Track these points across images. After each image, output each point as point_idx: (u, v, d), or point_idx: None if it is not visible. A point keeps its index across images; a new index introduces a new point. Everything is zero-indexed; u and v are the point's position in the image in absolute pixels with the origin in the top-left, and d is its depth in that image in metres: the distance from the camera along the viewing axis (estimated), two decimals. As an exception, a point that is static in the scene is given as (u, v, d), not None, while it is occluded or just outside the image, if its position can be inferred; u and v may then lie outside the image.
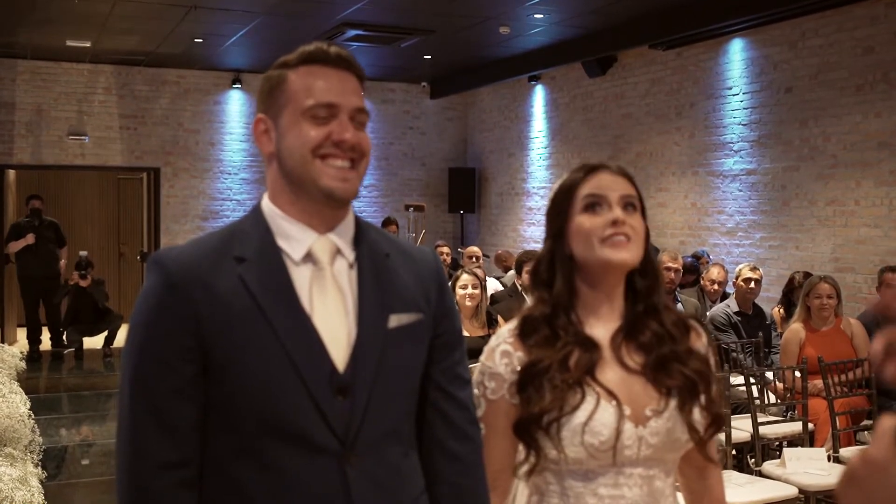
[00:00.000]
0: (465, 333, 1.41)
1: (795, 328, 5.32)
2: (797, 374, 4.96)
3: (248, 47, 9.94)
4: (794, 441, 4.81)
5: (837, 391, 4.74)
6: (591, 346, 1.60)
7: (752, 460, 4.67)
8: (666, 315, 1.65)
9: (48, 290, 9.87)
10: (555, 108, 10.89)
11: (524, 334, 1.63)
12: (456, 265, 8.61)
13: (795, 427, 4.83)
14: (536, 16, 8.24)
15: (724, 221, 8.39)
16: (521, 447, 1.63)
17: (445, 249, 9.16)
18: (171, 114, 11.41)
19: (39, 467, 4.64)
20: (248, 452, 1.36)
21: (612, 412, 1.55)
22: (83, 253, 9.99)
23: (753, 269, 6.04)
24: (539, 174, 11.19)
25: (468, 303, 4.95)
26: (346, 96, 1.43)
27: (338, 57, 1.44)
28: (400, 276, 1.48)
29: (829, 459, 4.33)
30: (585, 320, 1.64)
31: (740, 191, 8.18)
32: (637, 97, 9.46)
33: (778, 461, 4.34)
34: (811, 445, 4.71)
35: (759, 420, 4.64)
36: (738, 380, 5.09)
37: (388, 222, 10.65)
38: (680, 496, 1.78)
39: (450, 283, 4.67)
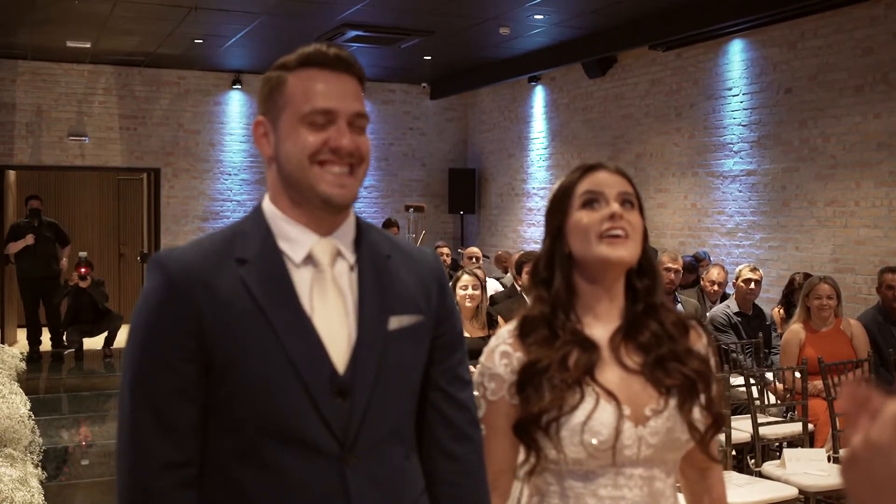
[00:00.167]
0: (466, 334, 1.42)
1: (795, 329, 5.32)
2: (797, 374, 4.96)
3: (248, 48, 9.94)
4: (794, 442, 4.81)
5: (837, 392, 4.74)
6: (589, 346, 1.60)
7: (752, 461, 4.67)
8: (665, 315, 1.66)
9: (48, 291, 9.87)
10: (555, 108, 10.89)
11: (523, 334, 1.63)
12: (456, 266, 8.61)
13: (795, 428, 4.83)
14: (536, 17, 8.24)
15: (723, 222, 8.39)
16: (522, 448, 1.63)
17: (445, 250, 9.16)
18: (171, 114, 11.42)
19: (39, 468, 4.64)
20: (249, 453, 1.36)
21: (612, 412, 1.55)
22: (83, 254, 9.99)
23: (753, 269, 6.04)
24: (539, 175, 11.19)
25: (468, 304, 4.95)
26: (344, 101, 1.42)
27: (337, 59, 1.43)
28: (401, 278, 1.48)
29: (829, 460, 4.32)
30: (584, 320, 1.64)
31: (740, 191, 8.18)
32: (637, 98, 9.46)
33: (778, 462, 4.34)
34: (811, 446, 4.71)
35: (759, 421, 4.64)
36: (738, 380, 5.10)
37: (388, 224, 10.65)
38: (682, 497, 1.79)
39: (450, 284, 4.67)
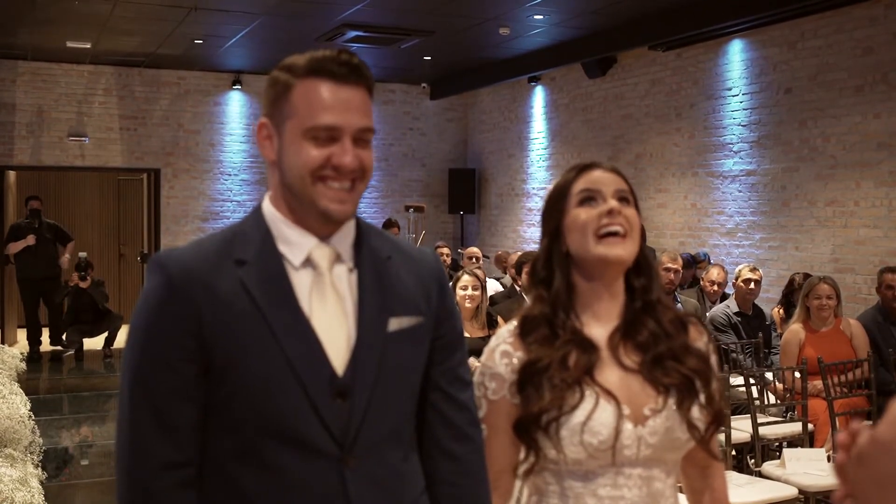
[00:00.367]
0: (465, 334, 1.42)
1: (795, 329, 5.32)
2: (797, 374, 4.96)
3: (248, 48, 9.94)
4: (793, 442, 4.81)
5: (837, 392, 4.74)
6: (589, 346, 1.60)
7: (752, 461, 4.68)
8: (663, 312, 1.66)
9: (48, 291, 9.88)
10: (554, 108, 10.89)
11: (524, 333, 1.63)
12: (456, 266, 8.62)
13: (795, 428, 4.84)
14: (536, 17, 8.24)
15: (723, 222, 8.39)
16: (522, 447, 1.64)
17: (445, 250, 9.16)
18: (171, 115, 11.42)
19: (39, 468, 4.64)
20: (248, 453, 1.36)
21: (611, 412, 1.55)
22: (83, 254, 9.99)
23: (753, 269, 6.04)
24: (539, 175, 11.19)
25: (468, 304, 4.95)
26: (349, 117, 1.39)
27: (347, 69, 1.40)
28: (401, 279, 1.48)
29: (828, 460, 4.32)
30: (584, 319, 1.64)
31: (740, 191, 8.19)
32: (637, 98, 9.46)
33: (778, 462, 4.35)
34: (811, 446, 4.71)
35: (759, 421, 4.64)
36: (737, 380, 5.10)
37: (389, 224, 10.65)
38: (683, 497, 1.79)
39: (450, 284, 4.67)
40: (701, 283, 6.82)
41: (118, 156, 11.24)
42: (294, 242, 1.43)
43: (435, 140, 12.74)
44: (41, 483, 4.31)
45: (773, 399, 5.21)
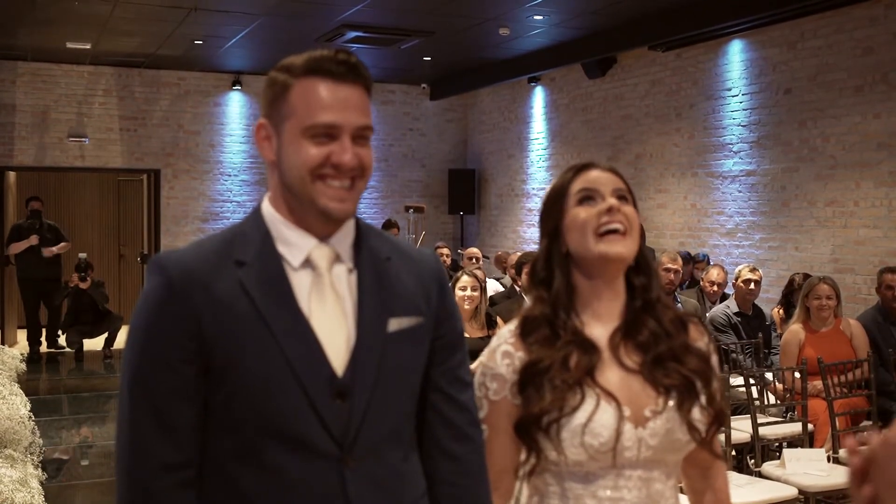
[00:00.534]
0: (465, 335, 1.41)
1: (795, 329, 5.32)
2: (797, 374, 4.96)
3: (248, 49, 9.94)
4: (793, 442, 4.81)
5: (837, 392, 4.74)
6: (590, 346, 1.60)
7: (752, 461, 4.68)
8: (663, 312, 1.66)
9: (48, 292, 9.88)
10: (554, 109, 10.90)
11: (524, 334, 1.63)
12: (456, 266, 8.61)
13: (795, 428, 4.84)
14: (536, 17, 8.24)
15: (723, 222, 8.39)
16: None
17: (445, 251, 9.16)
18: (171, 115, 11.42)
19: (40, 469, 4.64)
20: (248, 454, 1.37)
21: (612, 413, 1.55)
22: (83, 255, 9.99)
23: (753, 270, 6.04)
24: (539, 175, 11.19)
25: (466, 305, 4.95)
26: (348, 115, 1.40)
27: (345, 67, 1.40)
28: (400, 280, 1.48)
29: (828, 460, 4.33)
30: (584, 319, 1.64)
31: (740, 192, 8.19)
32: (636, 98, 9.46)
33: (778, 462, 4.35)
34: (811, 446, 4.71)
35: (759, 421, 4.64)
36: (737, 381, 5.10)
37: (388, 225, 10.65)
38: (683, 498, 1.78)
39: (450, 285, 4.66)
40: (701, 283, 6.82)
41: (118, 156, 11.25)
42: (293, 243, 1.43)
43: (435, 140, 12.74)
44: (41, 484, 4.31)
45: (773, 399, 5.21)
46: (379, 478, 1.41)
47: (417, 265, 1.53)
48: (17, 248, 9.84)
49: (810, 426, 4.87)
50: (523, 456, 1.63)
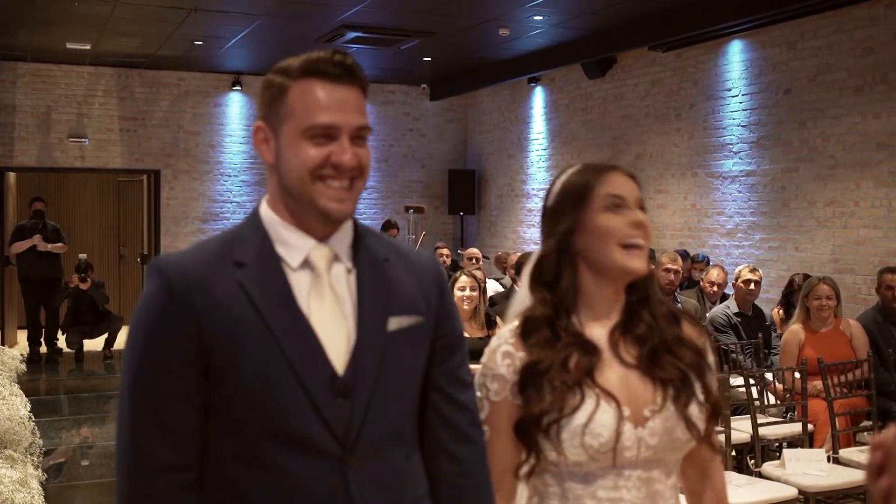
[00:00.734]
0: (465, 335, 1.41)
1: (795, 329, 5.32)
2: (797, 375, 4.96)
3: (248, 49, 9.94)
4: (793, 442, 4.81)
5: (837, 392, 4.74)
6: (590, 348, 1.60)
7: (752, 461, 4.68)
8: (657, 307, 1.66)
9: (49, 292, 9.88)
10: (554, 109, 10.90)
11: (525, 334, 1.63)
12: (456, 267, 8.62)
13: (795, 428, 4.84)
14: (536, 17, 8.24)
15: (723, 223, 8.39)
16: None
17: (445, 251, 9.17)
18: (171, 116, 11.42)
19: (40, 469, 4.65)
20: (249, 455, 1.37)
21: (612, 413, 1.55)
22: (83, 255, 9.99)
23: (753, 270, 6.04)
24: (539, 176, 11.19)
25: (466, 305, 4.95)
26: (346, 115, 1.40)
27: (341, 69, 1.41)
28: (399, 280, 1.48)
29: (828, 460, 4.33)
30: (584, 319, 1.64)
31: (740, 192, 8.19)
32: (636, 99, 9.47)
33: (777, 462, 4.35)
34: (811, 446, 4.71)
35: (759, 421, 4.64)
36: (737, 381, 5.10)
37: (388, 225, 10.65)
38: (682, 499, 1.79)
39: (449, 285, 4.66)
40: (701, 283, 6.82)
41: (118, 157, 11.25)
42: (292, 244, 1.43)
43: (435, 141, 12.74)
44: (41, 484, 4.32)
45: (772, 399, 5.21)
46: (381, 477, 1.41)
47: (416, 266, 1.53)
48: (19, 247, 9.85)
49: (810, 426, 4.87)
50: (523, 457, 1.63)
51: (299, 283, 1.41)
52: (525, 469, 1.62)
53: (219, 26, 8.78)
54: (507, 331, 1.66)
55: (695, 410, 1.60)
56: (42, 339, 10.04)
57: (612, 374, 1.60)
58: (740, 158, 8.17)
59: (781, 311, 6.48)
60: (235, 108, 11.66)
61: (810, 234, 7.44)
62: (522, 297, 1.72)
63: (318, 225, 1.44)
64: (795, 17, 7.38)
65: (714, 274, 6.71)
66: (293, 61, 1.43)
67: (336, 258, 1.45)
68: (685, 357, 1.62)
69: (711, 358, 1.69)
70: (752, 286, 5.95)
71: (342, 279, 1.45)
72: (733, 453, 4.64)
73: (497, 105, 12.13)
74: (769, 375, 5.20)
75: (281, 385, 1.36)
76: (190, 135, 11.49)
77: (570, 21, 8.40)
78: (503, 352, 1.63)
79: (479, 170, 12.55)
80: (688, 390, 1.60)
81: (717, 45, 8.37)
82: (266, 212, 1.46)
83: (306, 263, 1.43)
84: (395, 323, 1.44)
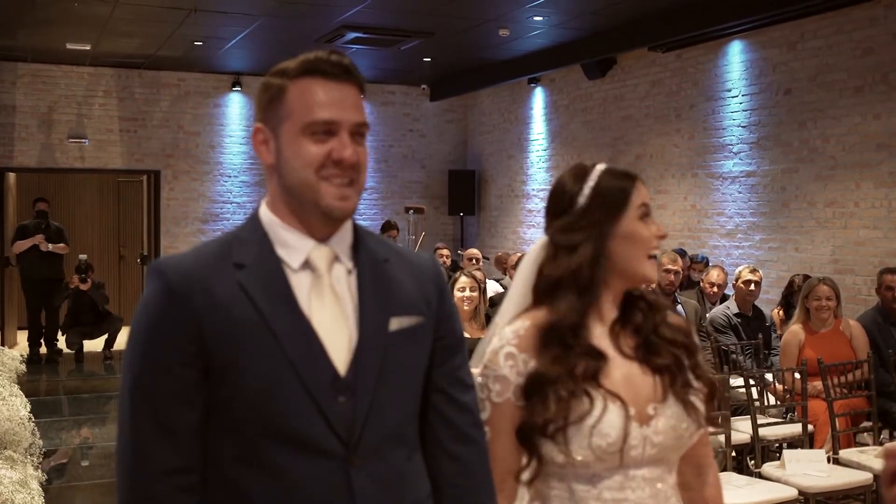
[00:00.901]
0: (465, 335, 1.41)
1: (795, 330, 5.32)
2: (797, 375, 4.96)
3: (247, 50, 9.95)
4: (793, 442, 4.81)
5: (837, 393, 4.74)
6: (598, 355, 1.61)
7: (752, 462, 4.68)
8: (643, 296, 1.71)
9: (50, 292, 9.88)
10: (554, 110, 10.90)
11: (546, 341, 1.60)
12: (456, 267, 8.61)
13: (795, 429, 4.84)
14: (536, 18, 8.25)
15: (723, 223, 8.40)
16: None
17: (445, 252, 9.17)
18: (171, 116, 11.42)
19: (40, 470, 4.65)
20: (251, 456, 1.36)
21: (619, 413, 1.56)
22: (83, 256, 9.99)
23: (753, 270, 6.04)
24: (539, 176, 11.19)
25: (466, 306, 4.95)
26: (346, 112, 1.42)
27: (339, 68, 1.42)
28: (400, 280, 1.49)
29: (828, 461, 4.33)
30: (591, 321, 1.66)
31: (740, 192, 8.19)
32: (636, 99, 9.47)
33: (777, 463, 4.34)
34: (811, 447, 4.71)
35: (759, 422, 4.64)
36: (737, 381, 5.10)
37: (388, 226, 10.64)
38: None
39: (449, 286, 4.66)
40: (701, 284, 6.82)
41: (118, 157, 11.25)
42: (292, 245, 1.43)
43: (435, 141, 12.74)
44: (41, 485, 4.32)
45: (773, 400, 5.21)
46: (382, 477, 1.41)
47: (416, 267, 1.53)
48: (20, 246, 9.85)
49: (810, 427, 4.87)
50: (525, 461, 1.63)
51: (300, 284, 1.41)
52: (527, 475, 1.62)
53: (219, 27, 8.78)
54: (509, 331, 1.64)
55: (693, 394, 1.63)
56: (42, 340, 10.04)
57: (616, 372, 1.61)
58: (740, 159, 8.17)
59: (781, 312, 6.48)
60: (235, 108, 11.66)
61: (810, 234, 7.44)
62: (518, 298, 1.71)
63: (320, 225, 1.44)
64: (795, 17, 7.38)
65: (714, 275, 6.71)
66: (290, 63, 1.44)
67: (336, 259, 1.45)
68: (678, 338, 1.66)
69: (696, 338, 1.73)
70: (752, 287, 5.95)
71: (343, 280, 1.45)
72: (733, 454, 4.64)
73: (497, 105, 12.13)
74: (769, 376, 5.20)
75: (282, 385, 1.36)
76: (190, 135, 11.49)
77: (569, 21, 8.41)
78: (506, 353, 1.62)
79: (479, 170, 12.55)
80: (683, 375, 1.63)
81: (717, 45, 8.37)
82: (266, 213, 1.46)
83: (307, 264, 1.43)
84: (396, 323, 1.45)
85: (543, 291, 1.66)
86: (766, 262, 7.73)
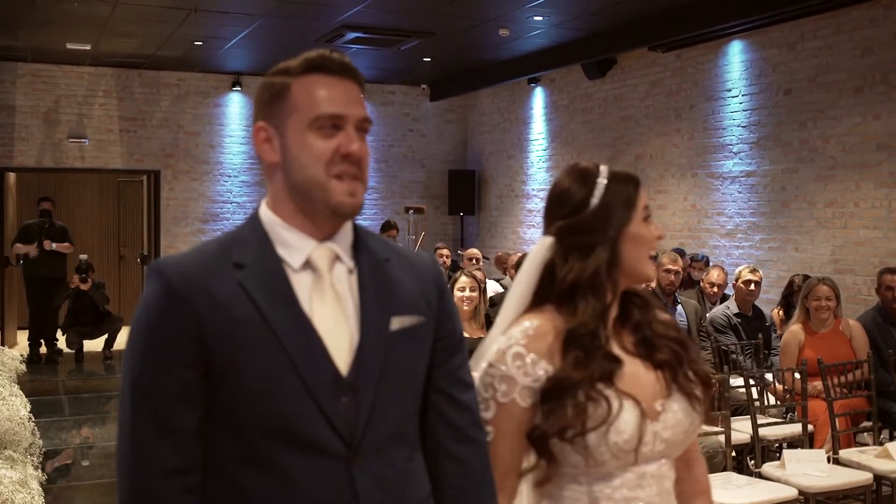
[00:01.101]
0: (465, 335, 1.41)
1: (795, 330, 5.32)
2: (797, 375, 4.96)
3: (248, 50, 9.95)
4: (793, 442, 4.81)
5: (837, 393, 4.74)
6: (614, 358, 1.62)
7: (752, 462, 4.68)
8: (640, 291, 1.74)
9: (51, 292, 9.88)
10: (554, 110, 10.90)
11: (569, 345, 1.60)
12: (456, 267, 8.62)
13: (795, 428, 4.84)
14: (536, 18, 8.25)
15: (723, 223, 8.40)
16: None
17: (445, 251, 9.17)
18: (171, 116, 11.43)
19: (40, 470, 4.64)
20: (252, 457, 1.36)
21: (633, 411, 1.58)
22: (83, 256, 9.99)
23: (753, 270, 6.04)
24: (539, 176, 11.19)
25: (465, 306, 4.94)
26: (351, 107, 1.42)
27: (341, 65, 1.43)
28: (400, 280, 1.49)
29: (828, 461, 4.33)
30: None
31: (740, 192, 8.19)
32: (636, 99, 9.47)
33: (777, 463, 4.34)
34: (811, 447, 4.71)
35: (759, 422, 4.64)
36: (737, 381, 5.10)
37: (388, 226, 10.64)
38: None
39: (448, 285, 4.66)
40: (701, 284, 6.82)
41: (118, 157, 11.25)
42: (293, 245, 1.43)
43: (435, 141, 12.75)
44: (41, 485, 4.32)
45: (772, 400, 5.21)
46: (384, 477, 1.41)
47: (416, 267, 1.53)
48: (18, 249, 9.85)
49: (810, 427, 4.87)
50: (530, 463, 1.63)
51: (301, 284, 1.41)
52: (539, 476, 1.62)
53: (219, 26, 8.79)
54: (518, 331, 1.63)
55: (694, 386, 1.65)
56: (42, 340, 10.04)
57: (625, 370, 1.62)
58: (740, 159, 8.17)
59: (781, 312, 6.48)
60: (235, 108, 11.66)
61: (810, 234, 7.44)
62: (520, 298, 1.70)
63: (326, 222, 1.44)
64: (795, 17, 7.38)
65: (714, 275, 6.71)
66: (292, 61, 1.44)
67: (337, 258, 1.45)
68: (670, 334, 1.69)
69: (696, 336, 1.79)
70: (752, 287, 5.95)
71: (344, 279, 1.45)
72: (733, 454, 4.64)
73: (497, 105, 12.14)
74: (769, 376, 5.20)
75: (283, 386, 1.35)
76: (190, 135, 11.49)
77: (569, 22, 8.41)
78: (514, 353, 1.61)
79: (479, 170, 12.55)
80: (683, 368, 1.65)
81: (717, 45, 8.38)
82: (266, 213, 1.46)
83: (308, 264, 1.43)
84: (397, 323, 1.45)
85: (560, 295, 1.65)
86: (766, 262, 7.74)
